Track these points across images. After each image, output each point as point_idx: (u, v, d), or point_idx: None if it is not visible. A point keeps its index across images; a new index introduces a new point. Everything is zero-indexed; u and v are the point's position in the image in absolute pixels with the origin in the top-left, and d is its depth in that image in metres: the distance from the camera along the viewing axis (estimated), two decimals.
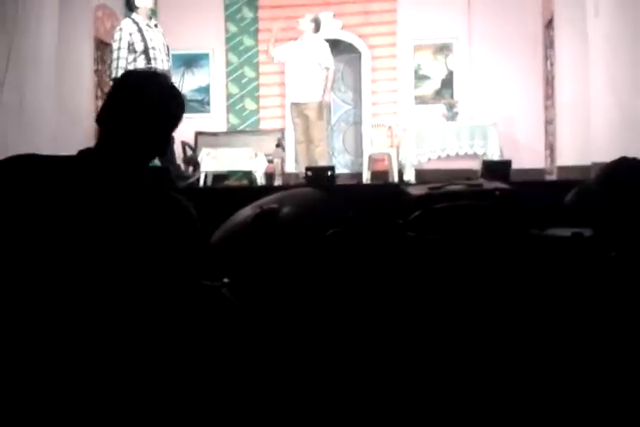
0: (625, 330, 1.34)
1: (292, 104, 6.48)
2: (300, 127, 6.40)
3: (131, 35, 5.45)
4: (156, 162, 5.84)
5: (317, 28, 6.43)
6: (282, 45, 6.58)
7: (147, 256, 1.35)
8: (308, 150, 6.40)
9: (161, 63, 5.56)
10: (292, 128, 6.83)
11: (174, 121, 1.57)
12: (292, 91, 6.41)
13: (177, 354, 1.36)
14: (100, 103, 7.55)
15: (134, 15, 5.60)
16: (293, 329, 1.71)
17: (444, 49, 7.98)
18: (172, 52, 5.76)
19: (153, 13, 5.81)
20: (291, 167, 7.86)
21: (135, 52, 5.46)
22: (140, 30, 5.48)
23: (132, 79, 1.59)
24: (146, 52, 5.45)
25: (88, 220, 1.32)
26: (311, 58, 6.29)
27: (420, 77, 8.04)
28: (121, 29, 5.53)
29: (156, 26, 5.67)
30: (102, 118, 1.48)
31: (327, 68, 6.31)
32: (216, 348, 1.45)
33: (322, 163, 6.17)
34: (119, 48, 5.49)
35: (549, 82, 7.39)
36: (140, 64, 5.45)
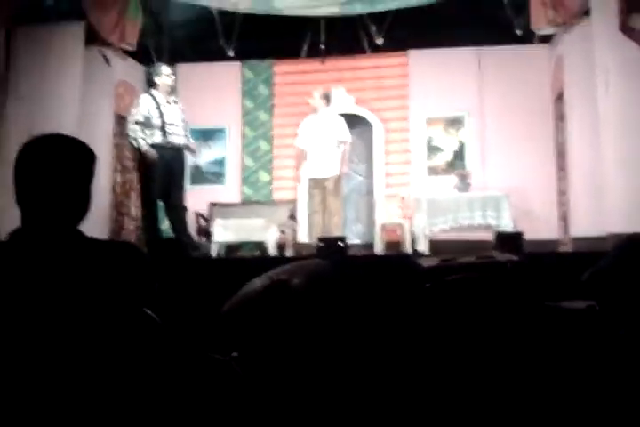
0: (630, 407, 1.30)
1: (311, 180, 6.55)
2: (318, 198, 6.45)
3: (149, 110, 5.58)
4: (170, 233, 5.90)
5: (329, 102, 6.58)
6: (300, 134, 6.69)
7: (109, 301, 1.33)
8: (323, 220, 6.43)
9: (177, 138, 5.67)
10: (307, 198, 6.89)
11: (83, 173, 1.50)
12: (310, 166, 6.50)
13: None
14: (118, 176, 7.70)
15: (153, 91, 5.75)
16: (304, 405, 1.67)
17: (455, 122, 8.13)
18: (190, 127, 5.88)
19: (172, 90, 5.97)
20: (303, 237, 7.89)
21: (152, 127, 5.57)
22: (157, 106, 5.62)
23: (26, 149, 1.49)
24: (163, 127, 5.57)
25: (40, 293, 1.30)
26: (328, 133, 6.41)
27: (432, 149, 8.16)
28: (138, 104, 5.67)
29: (175, 102, 5.82)
30: (17, 197, 1.45)
31: (344, 142, 6.41)
32: (223, 422, 1.41)
33: (337, 232, 6.19)
34: (134, 121, 5.62)
35: (561, 153, 7.46)
36: (157, 139, 5.56)
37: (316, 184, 6.49)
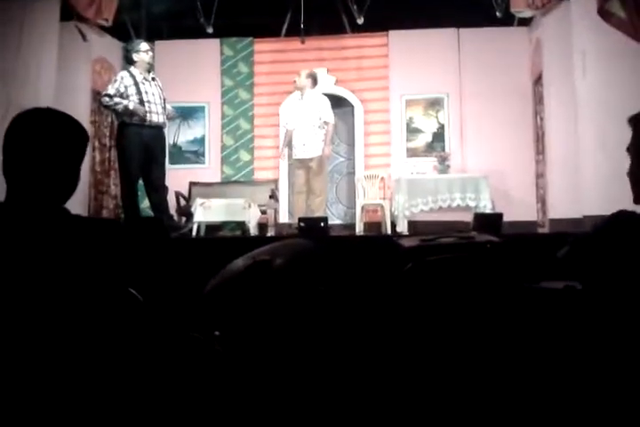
0: (612, 383, 1.33)
1: (297, 160, 6.55)
2: (302, 178, 6.46)
3: (126, 87, 5.51)
4: (149, 212, 5.86)
5: (315, 83, 6.55)
6: (284, 110, 6.69)
7: (87, 279, 1.33)
8: (307, 200, 6.44)
9: (156, 116, 5.59)
10: (293, 178, 6.91)
11: (75, 153, 1.49)
12: (294, 146, 6.50)
13: (162, 407, 1.33)
14: (96, 154, 7.62)
15: (132, 68, 5.67)
16: (285, 383, 1.69)
17: (435, 104, 8.14)
18: (168, 105, 5.81)
19: (150, 67, 5.89)
20: (284, 218, 7.89)
21: (115, 110, 5.53)
22: (136, 83, 5.54)
23: (17, 123, 1.46)
24: (141, 104, 5.50)
25: (21, 269, 1.29)
26: (312, 113, 6.39)
27: (412, 131, 8.17)
28: (116, 80, 5.59)
29: (153, 79, 5.74)
30: (3, 170, 1.43)
31: (327, 123, 6.42)
32: (204, 401, 1.42)
33: (320, 213, 6.21)
34: (104, 93, 5.56)
35: (539, 136, 7.52)
36: (136, 117, 5.49)
37: (300, 164, 6.49)
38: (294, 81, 6.58)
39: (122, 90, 5.49)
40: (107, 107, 5.62)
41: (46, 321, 1.27)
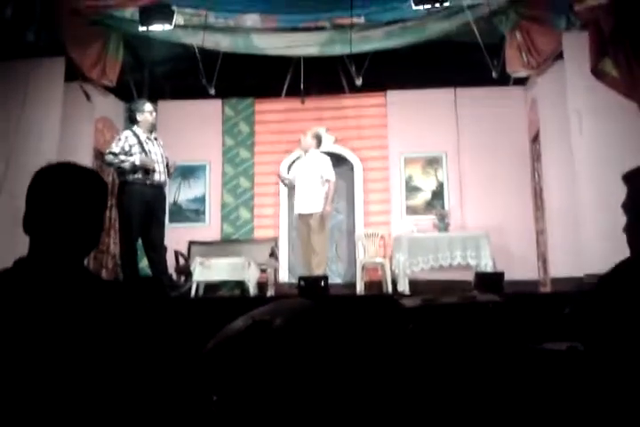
0: None
1: (298, 215, 6.61)
2: (304, 238, 6.50)
3: (130, 146, 5.55)
4: (148, 271, 5.82)
5: (319, 144, 6.72)
6: (288, 166, 6.81)
7: (113, 349, 1.30)
8: (305, 258, 6.44)
9: (158, 175, 5.62)
10: (295, 238, 6.99)
11: (98, 206, 1.48)
12: (297, 203, 6.57)
13: None
14: None
15: (135, 128, 5.73)
16: None
17: (433, 162, 8.22)
18: (171, 162, 5.85)
19: (153, 127, 5.97)
20: (284, 276, 7.84)
21: (121, 167, 5.54)
22: (139, 142, 5.59)
23: (40, 178, 1.46)
24: (142, 167, 5.52)
25: (42, 326, 1.28)
26: (314, 172, 6.52)
27: (411, 189, 8.22)
28: (119, 139, 5.63)
29: (155, 139, 5.80)
30: (26, 225, 1.42)
31: (329, 181, 6.51)
32: None
33: (320, 271, 6.19)
34: (108, 151, 5.59)
35: (538, 193, 7.55)
36: (138, 175, 5.51)
37: (301, 220, 6.53)
38: (299, 141, 6.71)
39: (126, 148, 5.53)
40: (110, 164, 5.61)
41: (57, 378, 1.25)
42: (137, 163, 5.46)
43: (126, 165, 5.46)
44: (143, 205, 5.48)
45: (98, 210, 1.48)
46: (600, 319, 1.43)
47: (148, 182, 5.53)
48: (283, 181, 6.83)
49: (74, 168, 1.49)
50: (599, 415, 1.36)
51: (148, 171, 5.51)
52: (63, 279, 1.37)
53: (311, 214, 6.37)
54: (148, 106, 5.84)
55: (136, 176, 5.50)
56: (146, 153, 5.56)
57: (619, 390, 1.36)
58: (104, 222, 1.50)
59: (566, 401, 1.52)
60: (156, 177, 5.59)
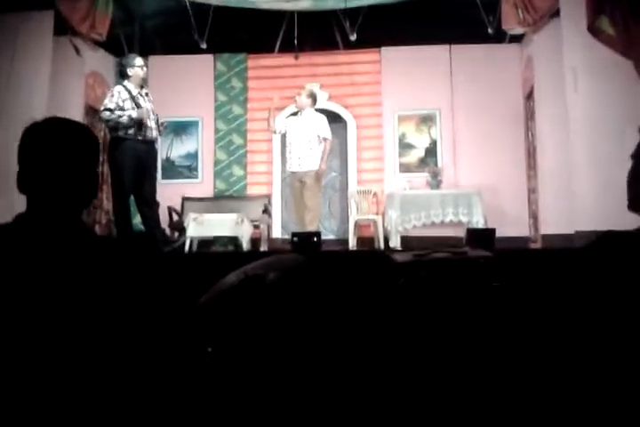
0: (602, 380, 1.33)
1: (291, 173, 6.61)
2: (297, 195, 6.50)
3: (123, 101, 5.50)
4: (141, 226, 5.84)
5: (315, 102, 6.68)
6: (282, 118, 6.74)
7: (112, 304, 1.33)
8: (298, 215, 6.47)
9: (150, 131, 5.60)
10: (288, 195, 7.00)
11: (89, 160, 1.47)
12: (291, 161, 6.55)
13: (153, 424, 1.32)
14: None
15: (126, 83, 5.67)
16: (277, 397, 1.67)
17: (427, 119, 8.18)
18: (161, 120, 5.81)
19: (144, 82, 5.90)
20: (277, 233, 7.89)
21: (120, 122, 5.49)
22: (131, 98, 5.55)
23: (29, 135, 1.44)
24: (139, 121, 5.49)
25: (41, 281, 1.29)
26: (310, 130, 6.49)
27: (404, 146, 8.21)
28: (112, 95, 5.57)
29: (146, 94, 5.75)
30: (20, 185, 1.42)
31: (325, 140, 6.50)
32: (195, 420, 1.41)
33: (313, 228, 6.22)
34: (104, 108, 5.53)
35: (531, 152, 7.56)
36: (130, 130, 5.48)
37: (294, 178, 6.54)
38: (295, 100, 6.67)
39: (120, 104, 5.49)
40: (108, 121, 5.54)
41: (56, 333, 1.27)
42: (134, 116, 5.43)
43: (124, 120, 5.42)
44: (135, 160, 5.47)
45: (90, 163, 1.48)
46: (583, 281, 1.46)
47: (140, 138, 5.51)
48: (271, 129, 6.78)
49: (63, 123, 1.48)
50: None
51: (141, 126, 5.49)
52: (60, 234, 1.38)
53: (306, 172, 6.37)
54: (138, 60, 5.77)
55: (129, 132, 5.47)
56: (138, 108, 5.52)
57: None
58: (98, 176, 1.50)
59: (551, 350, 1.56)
60: (148, 133, 5.57)
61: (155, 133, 5.67)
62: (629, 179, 1.54)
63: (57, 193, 1.41)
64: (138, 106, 5.52)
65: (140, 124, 5.48)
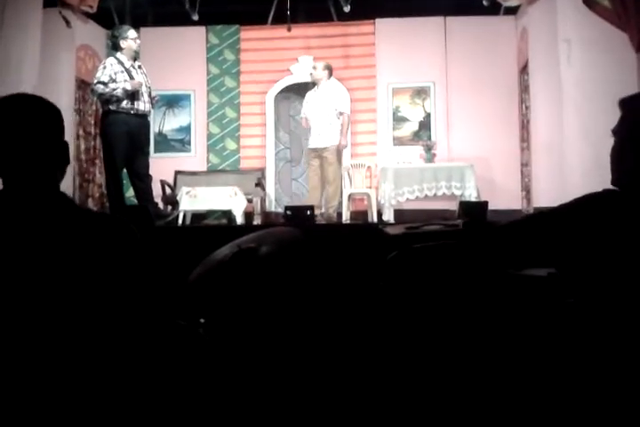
0: (596, 369, 1.35)
1: (311, 149, 6.62)
2: (316, 168, 6.53)
3: (115, 73, 5.45)
4: (134, 200, 5.84)
5: (330, 74, 6.68)
6: (304, 105, 6.70)
7: (96, 278, 1.33)
8: (321, 190, 6.55)
9: (143, 104, 5.56)
10: (307, 169, 6.98)
11: (52, 130, 1.46)
12: (311, 136, 6.58)
13: (147, 394, 1.34)
14: (81, 143, 7.56)
15: (118, 55, 5.61)
16: (271, 369, 1.70)
17: (421, 92, 8.14)
18: (153, 93, 5.77)
19: (137, 55, 5.84)
20: (270, 206, 7.90)
21: (114, 95, 5.44)
22: (124, 70, 5.50)
23: None
24: (133, 94, 5.45)
25: (23, 255, 1.29)
26: (328, 104, 6.49)
27: (398, 119, 8.17)
28: (105, 67, 5.51)
29: (139, 67, 5.70)
30: None
31: (344, 113, 6.52)
32: (190, 390, 1.43)
33: (335, 202, 6.37)
34: (97, 81, 5.48)
35: (525, 125, 7.55)
36: (123, 103, 5.44)
37: (314, 153, 6.57)
38: (310, 73, 6.71)
39: (113, 76, 5.44)
40: (102, 95, 5.47)
41: (39, 309, 1.27)
42: (128, 88, 5.39)
43: (118, 93, 5.38)
44: (128, 134, 5.44)
45: (55, 134, 1.46)
46: (575, 245, 1.45)
47: (132, 112, 5.48)
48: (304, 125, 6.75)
49: (17, 98, 1.46)
50: (578, 339, 1.41)
51: (134, 99, 5.45)
52: (39, 206, 1.38)
53: (326, 148, 6.40)
54: (132, 32, 5.71)
55: (122, 105, 5.43)
56: (131, 80, 5.49)
57: (579, 322, 1.41)
58: (66, 146, 1.49)
59: (539, 326, 1.57)
60: (141, 106, 5.54)
61: (147, 107, 5.63)
62: (612, 155, 1.54)
63: (27, 168, 1.40)
64: (131, 78, 5.47)
65: (133, 96, 5.44)
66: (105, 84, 5.40)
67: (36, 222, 1.34)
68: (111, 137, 5.45)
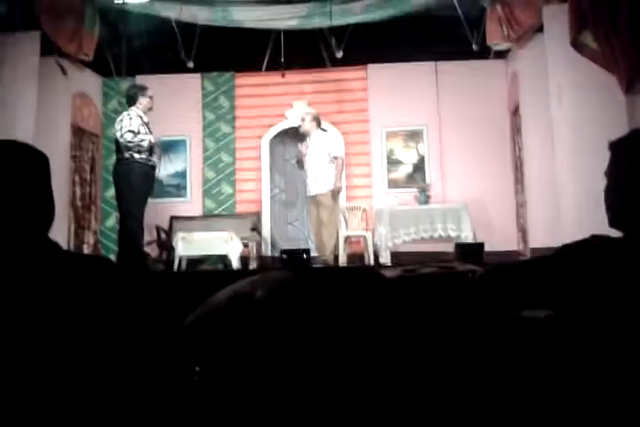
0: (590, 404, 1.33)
1: (310, 197, 6.70)
2: (314, 215, 6.60)
3: (139, 126, 5.61)
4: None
5: (319, 124, 6.79)
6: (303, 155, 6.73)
7: (84, 323, 1.31)
8: (318, 237, 6.59)
9: (155, 157, 5.75)
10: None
11: (39, 178, 1.44)
12: (308, 186, 6.66)
13: None
14: (77, 189, 7.58)
15: (136, 109, 5.77)
16: (268, 417, 1.66)
17: (414, 135, 8.23)
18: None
19: (149, 111, 5.97)
20: (267, 251, 7.88)
21: (140, 146, 5.57)
22: (144, 124, 5.68)
23: None
24: (152, 147, 5.61)
25: (10, 304, 1.27)
26: (321, 152, 6.59)
27: (392, 162, 8.24)
28: (131, 118, 5.64)
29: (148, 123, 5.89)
30: None
31: (337, 157, 6.60)
32: None
33: (330, 244, 6.40)
34: (132, 131, 5.56)
35: (518, 167, 7.60)
36: (144, 155, 5.58)
37: (312, 201, 6.64)
38: (299, 126, 6.79)
39: (136, 129, 5.59)
40: (130, 142, 5.58)
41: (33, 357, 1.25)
42: (152, 141, 5.55)
43: (145, 144, 5.54)
44: (146, 184, 5.62)
45: (41, 182, 1.44)
46: (571, 287, 1.45)
47: (149, 164, 5.64)
48: (299, 161, 6.79)
49: (3, 145, 1.44)
50: (571, 377, 1.40)
51: (152, 152, 5.61)
52: (30, 256, 1.35)
53: (322, 194, 6.46)
54: (150, 91, 5.93)
55: (142, 156, 5.58)
56: (150, 134, 5.67)
57: (587, 354, 1.39)
58: (51, 194, 1.46)
59: (544, 366, 1.56)
60: (154, 158, 5.72)
61: (156, 159, 5.78)
62: (605, 197, 1.55)
63: (13, 215, 1.38)
64: (151, 132, 5.65)
65: (151, 149, 5.60)
66: (135, 133, 5.53)
67: (18, 270, 1.32)
68: (134, 184, 5.55)
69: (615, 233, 1.51)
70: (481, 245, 4.48)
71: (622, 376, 1.32)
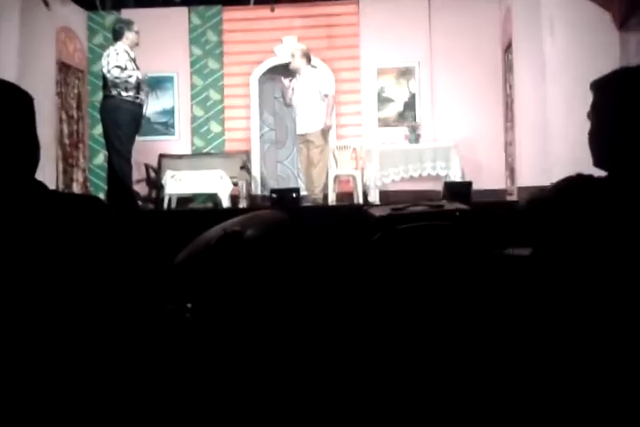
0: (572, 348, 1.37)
1: (299, 135, 6.63)
2: (304, 154, 6.54)
3: (126, 62, 5.50)
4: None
5: (309, 60, 6.64)
6: (286, 89, 6.60)
7: (75, 262, 1.32)
8: (308, 176, 6.56)
9: (143, 94, 5.64)
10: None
11: (23, 118, 1.40)
12: (299, 124, 6.57)
13: (133, 381, 1.34)
14: (64, 127, 7.48)
15: (122, 44, 5.64)
16: (257, 354, 1.71)
17: (406, 73, 8.11)
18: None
19: (135, 47, 5.84)
20: (257, 190, 7.89)
21: (128, 82, 5.48)
22: (131, 60, 5.56)
23: None
24: (139, 83, 5.51)
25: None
26: (312, 89, 6.47)
27: (383, 100, 8.15)
28: (117, 53, 5.53)
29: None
30: None
31: (328, 95, 6.50)
32: (176, 375, 1.44)
33: (319, 183, 6.35)
34: (119, 66, 5.46)
35: (509, 105, 7.56)
36: (131, 92, 5.48)
37: (302, 139, 6.57)
38: (289, 63, 6.63)
39: (126, 64, 5.49)
40: (117, 78, 5.48)
41: (20, 296, 1.26)
42: (140, 77, 5.44)
43: (132, 80, 5.44)
44: (134, 122, 5.55)
45: (25, 121, 1.41)
46: (554, 226, 1.47)
47: (137, 101, 5.55)
48: (284, 96, 6.67)
49: None
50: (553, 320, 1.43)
51: (139, 89, 5.51)
52: (17, 196, 1.35)
53: (312, 133, 6.40)
54: (136, 26, 5.80)
55: (129, 93, 5.48)
56: (137, 70, 5.55)
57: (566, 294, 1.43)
58: (36, 136, 1.43)
59: (528, 303, 1.59)
60: (142, 96, 5.63)
61: (144, 96, 5.68)
62: (589, 138, 1.55)
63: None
64: (138, 68, 5.53)
65: (138, 86, 5.49)
66: (122, 69, 5.42)
67: (4, 212, 1.31)
68: (121, 123, 5.48)
69: (600, 173, 1.53)
70: (469, 184, 4.51)
71: (607, 312, 1.35)
